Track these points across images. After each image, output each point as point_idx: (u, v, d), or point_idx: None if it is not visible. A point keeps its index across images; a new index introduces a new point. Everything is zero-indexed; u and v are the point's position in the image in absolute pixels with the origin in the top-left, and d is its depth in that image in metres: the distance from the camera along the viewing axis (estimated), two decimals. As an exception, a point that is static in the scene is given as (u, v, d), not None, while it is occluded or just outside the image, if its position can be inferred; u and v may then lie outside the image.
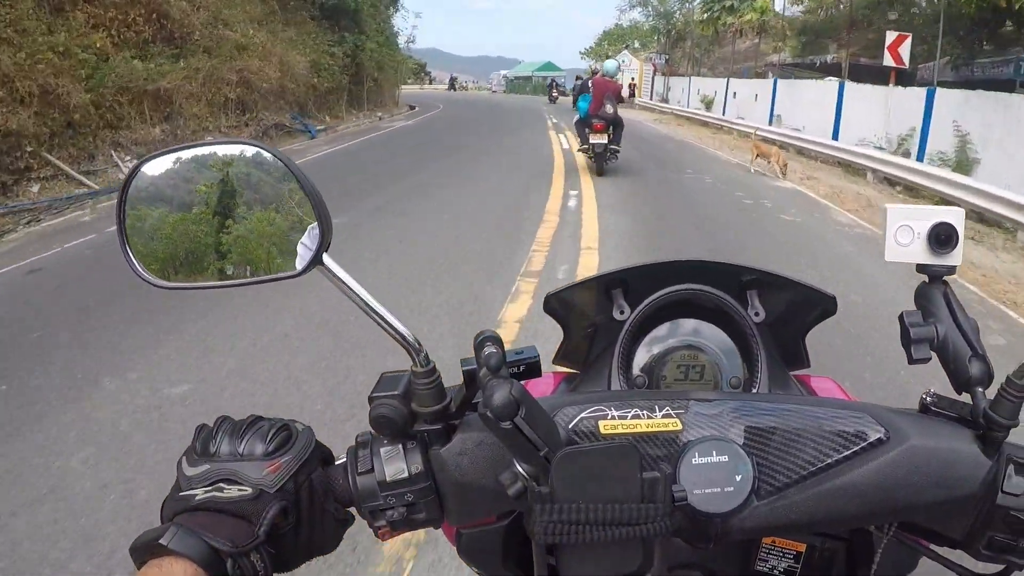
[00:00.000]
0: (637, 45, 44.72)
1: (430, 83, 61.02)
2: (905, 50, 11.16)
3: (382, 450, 0.48)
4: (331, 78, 19.24)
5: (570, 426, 0.48)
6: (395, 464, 0.47)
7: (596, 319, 0.75)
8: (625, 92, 30.16)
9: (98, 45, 9.50)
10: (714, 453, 0.47)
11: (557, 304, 0.74)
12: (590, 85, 9.24)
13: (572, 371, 0.81)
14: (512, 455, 0.42)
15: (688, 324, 0.73)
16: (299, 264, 0.48)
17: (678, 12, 31.17)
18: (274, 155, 0.48)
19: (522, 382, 0.44)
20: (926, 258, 0.55)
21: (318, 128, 16.04)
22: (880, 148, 11.03)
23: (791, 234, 6.33)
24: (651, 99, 29.90)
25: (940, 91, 10.40)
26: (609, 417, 0.49)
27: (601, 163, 8.82)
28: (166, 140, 10.54)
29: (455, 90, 53.32)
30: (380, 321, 0.47)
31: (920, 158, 10.00)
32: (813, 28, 25.04)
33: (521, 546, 0.57)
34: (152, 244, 0.50)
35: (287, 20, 18.40)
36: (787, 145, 12.81)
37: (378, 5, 25.39)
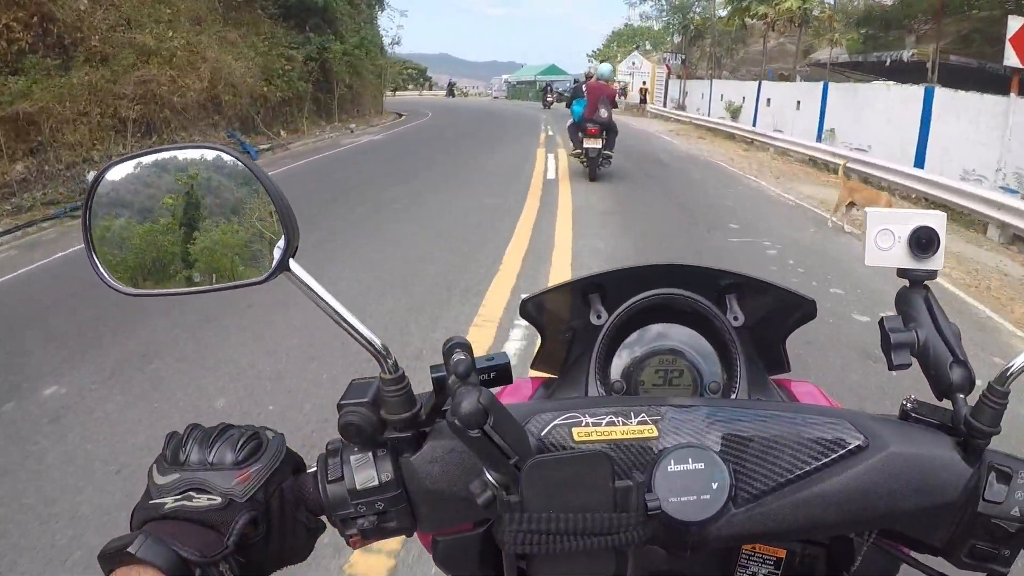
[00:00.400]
0: (648, 46, 41.42)
1: (429, 89, 58.00)
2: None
3: (352, 458, 0.47)
4: (287, 86, 16.29)
5: (542, 433, 0.48)
6: (365, 472, 0.47)
7: (573, 324, 0.74)
8: (634, 97, 26.40)
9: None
10: (690, 460, 0.46)
11: (534, 309, 0.74)
12: (584, 89, 8.84)
13: (550, 376, 0.79)
14: (482, 463, 0.42)
15: (667, 329, 0.72)
16: (266, 270, 0.48)
17: (696, 4, 27.60)
18: (237, 160, 0.48)
19: (495, 388, 0.47)
20: (907, 262, 0.55)
21: (262, 147, 13.16)
22: (1008, 190, 7.55)
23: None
24: (665, 106, 26.42)
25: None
26: (583, 424, 0.48)
27: (594, 168, 8.60)
28: (29, 180, 7.93)
29: (453, 96, 50.24)
30: (348, 328, 0.46)
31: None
32: (879, 17, 20.41)
33: (497, 555, 0.53)
34: (119, 253, 0.49)
35: (236, 20, 15.45)
36: (847, 171, 9.54)
37: (357, 3, 22.47)
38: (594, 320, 0.71)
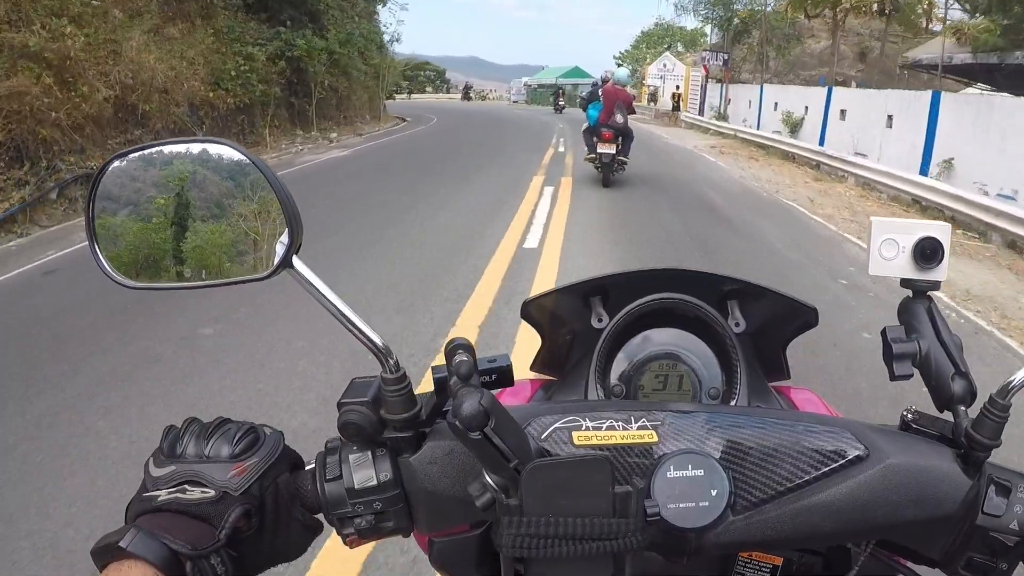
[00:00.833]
0: (680, 48, 37.73)
1: (446, 92, 55.05)
2: None
3: (351, 457, 0.47)
4: (246, 90, 13.23)
5: (543, 436, 0.48)
6: (364, 471, 0.46)
7: (574, 326, 0.74)
8: (666, 104, 22.74)
9: None
10: (689, 467, 0.46)
11: (535, 311, 0.73)
12: (600, 93, 8.63)
13: (550, 378, 0.79)
14: (481, 466, 0.42)
15: (667, 333, 0.72)
16: (269, 266, 0.48)
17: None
18: (243, 155, 0.48)
19: (495, 390, 0.47)
20: (910, 273, 0.55)
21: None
22: None
23: None
24: (702, 114, 22.77)
25: None
26: (583, 428, 0.48)
27: (608, 174, 8.51)
28: None
29: (470, 99, 47.09)
30: (350, 326, 0.46)
31: None
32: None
33: (494, 557, 0.53)
34: (119, 247, 0.50)
35: (183, 11, 12.49)
36: (973, 222, 6.02)
37: (348, -8, 19.58)
38: (595, 323, 0.71)
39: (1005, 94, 9.72)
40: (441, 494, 0.47)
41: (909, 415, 0.51)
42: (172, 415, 2.59)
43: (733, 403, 0.68)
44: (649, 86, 29.84)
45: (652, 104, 28.93)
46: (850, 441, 0.47)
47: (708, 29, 29.83)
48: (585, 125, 8.94)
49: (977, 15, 13.69)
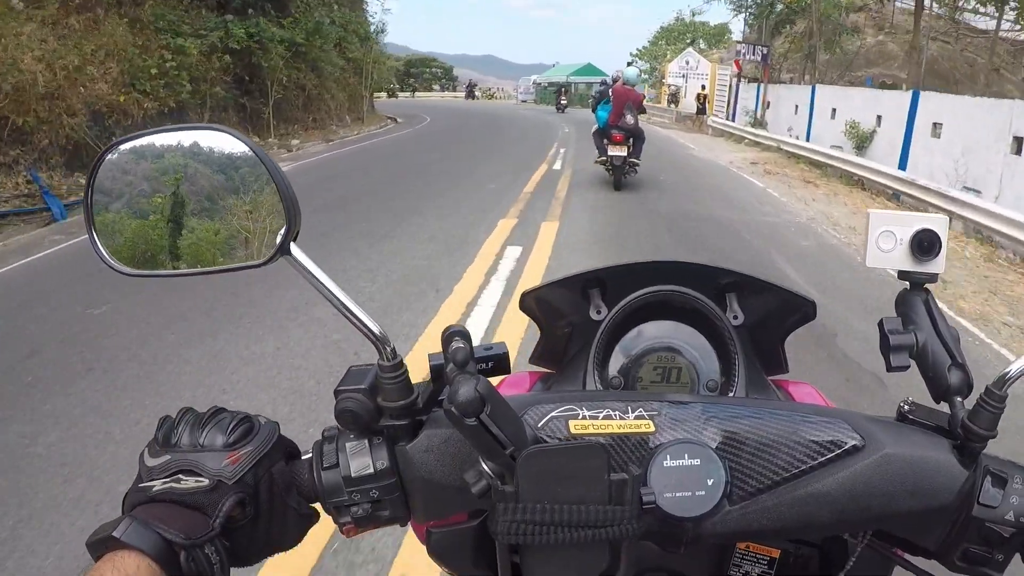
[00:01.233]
0: (703, 45, 34.40)
1: (452, 90, 52.11)
2: None
3: (348, 445, 0.47)
4: (171, 91, 10.50)
5: (539, 425, 0.47)
6: (360, 460, 0.46)
7: (573, 319, 0.73)
8: (689, 105, 19.43)
9: None
10: (686, 456, 0.46)
11: (533, 303, 0.73)
12: (610, 94, 8.37)
13: (549, 371, 0.79)
14: (477, 453, 0.42)
15: (666, 326, 0.72)
16: (266, 253, 0.48)
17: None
18: (242, 141, 0.48)
19: (493, 379, 0.47)
20: (908, 265, 0.55)
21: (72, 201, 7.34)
22: None
23: None
24: (732, 118, 19.51)
25: None
26: (580, 417, 0.47)
27: (619, 177, 8.23)
28: None
29: (474, 98, 44.01)
30: (347, 314, 0.46)
31: None
32: None
33: (492, 548, 0.53)
34: (116, 241, 0.50)
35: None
36: None
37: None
38: (594, 315, 0.71)
39: None
40: (438, 482, 0.47)
41: (906, 406, 0.51)
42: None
43: (731, 395, 0.68)
44: (669, 85, 26.57)
45: (673, 106, 25.67)
46: (846, 431, 0.47)
47: (738, 21, 26.52)
48: (595, 127, 8.55)
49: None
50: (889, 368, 0.53)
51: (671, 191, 8.44)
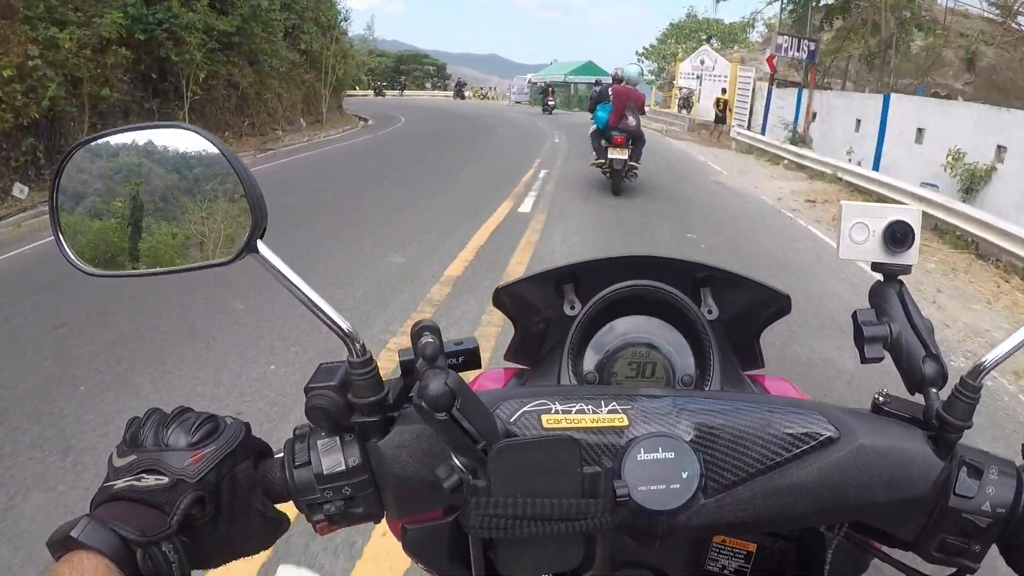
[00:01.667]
0: (716, 44, 31.12)
1: (444, 89, 48.81)
2: None
3: (319, 443, 0.47)
4: (29, 98, 7.71)
5: (511, 419, 0.47)
6: (332, 457, 0.46)
7: (547, 314, 0.73)
8: (705, 111, 16.52)
9: None
10: (660, 449, 0.45)
11: (507, 298, 0.73)
12: (610, 93, 7.88)
13: (524, 367, 0.78)
14: (449, 447, 0.42)
15: (640, 321, 0.72)
16: (232, 251, 0.47)
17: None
18: (207, 139, 0.48)
19: (465, 374, 0.45)
20: (881, 256, 0.55)
21: None
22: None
23: None
24: (763, 131, 16.13)
25: None
26: (552, 411, 0.47)
27: (618, 182, 7.76)
28: None
29: (463, 98, 40.64)
30: (316, 311, 0.46)
31: None
32: None
33: (467, 543, 0.54)
34: (78, 243, 0.50)
35: None
36: None
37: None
38: (568, 311, 0.71)
39: None
40: (410, 478, 0.46)
41: (881, 398, 0.51)
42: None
43: (706, 390, 0.67)
44: (681, 88, 23.25)
45: (684, 112, 22.38)
46: (821, 423, 0.47)
47: (772, 7, 23.16)
48: (593, 128, 8.07)
49: None
50: (863, 359, 0.52)
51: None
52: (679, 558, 0.59)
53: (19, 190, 7.43)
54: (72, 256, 0.49)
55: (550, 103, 27.29)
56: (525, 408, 0.47)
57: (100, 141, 0.49)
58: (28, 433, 2.46)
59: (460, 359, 0.51)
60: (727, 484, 0.46)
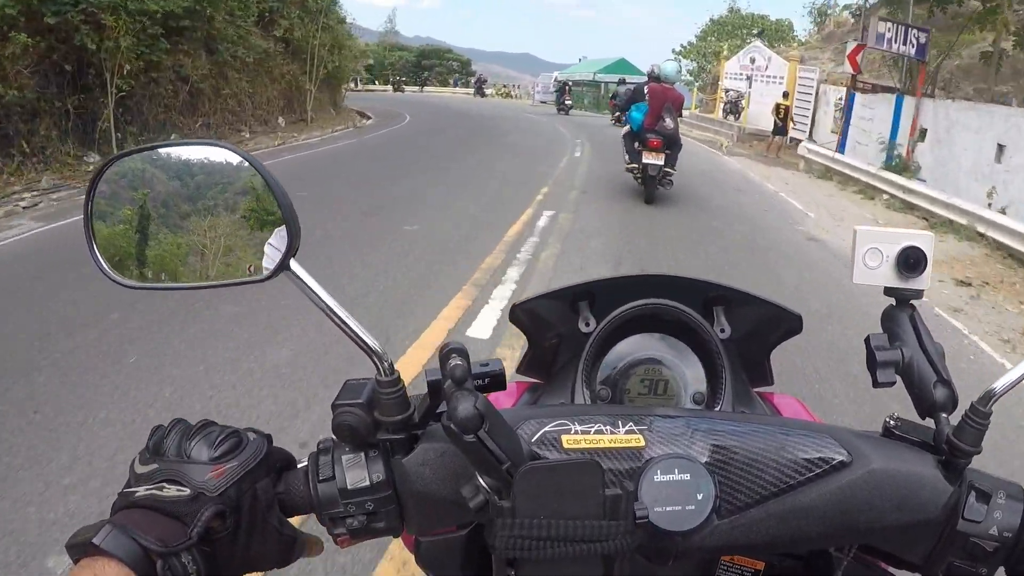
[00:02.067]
0: (759, 42, 27.72)
1: (467, 86, 46.13)
2: None
3: (344, 458, 0.48)
4: None
5: (533, 440, 0.48)
6: (356, 472, 0.47)
7: (561, 331, 0.75)
8: (760, 119, 12.85)
9: None
10: (676, 471, 0.46)
11: (523, 315, 0.74)
12: (645, 92, 7.69)
13: (536, 381, 0.80)
14: (475, 468, 0.43)
15: (653, 339, 0.73)
16: (267, 268, 0.49)
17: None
18: (243, 158, 0.49)
19: (487, 395, 0.46)
20: (894, 281, 0.56)
21: None
22: None
23: None
24: (840, 148, 12.50)
25: None
26: (572, 432, 0.48)
27: (652, 189, 7.29)
28: None
29: (483, 96, 37.80)
30: (346, 329, 0.47)
31: None
32: None
33: (480, 555, 0.56)
34: (111, 252, 0.51)
35: None
36: None
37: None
38: (583, 328, 0.72)
39: None
40: (432, 495, 0.47)
41: (892, 422, 0.52)
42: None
43: (718, 408, 0.69)
44: (727, 91, 20.04)
45: (731, 118, 19.21)
46: (833, 447, 0.48)
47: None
48: (626, 128, 7.70)
49: None
50: (876, 384, 0.53)
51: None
52: (687, 575, 0.60)
53: None
54: (107, 268, 0.50)
55: (567, 102, 25.53)
56: (546, 428, 0.48)
57: (136, 156, 0.51)
58: None
59: (486, 380, 0.51)
60: (740, 506, 0.47)
